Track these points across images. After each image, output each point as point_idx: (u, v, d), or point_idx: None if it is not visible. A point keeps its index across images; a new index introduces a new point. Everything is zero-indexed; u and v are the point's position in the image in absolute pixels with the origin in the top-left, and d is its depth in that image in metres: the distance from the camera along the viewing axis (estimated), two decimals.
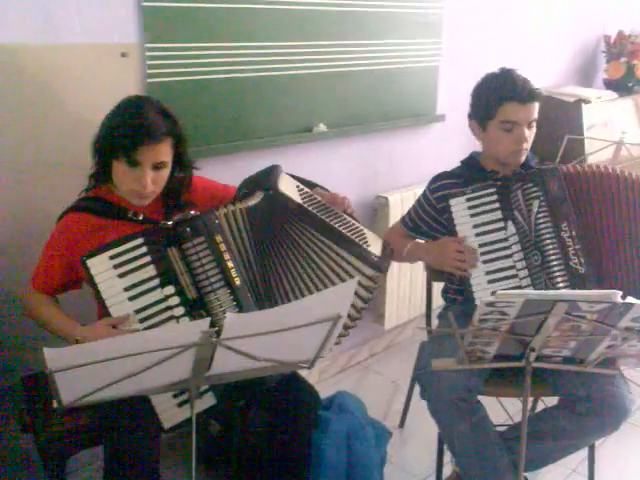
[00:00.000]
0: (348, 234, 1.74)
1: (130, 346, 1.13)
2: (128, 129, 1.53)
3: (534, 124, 1.90)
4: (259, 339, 1.22)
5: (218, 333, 1.20)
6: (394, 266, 2.77)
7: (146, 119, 1.54)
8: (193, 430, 1.36)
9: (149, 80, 1.95)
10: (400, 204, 2.76)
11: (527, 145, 1.90)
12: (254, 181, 1.78)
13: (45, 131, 1.81)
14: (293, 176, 1.85)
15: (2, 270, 1.83)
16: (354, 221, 1.83)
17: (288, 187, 1.76)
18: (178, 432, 1.84)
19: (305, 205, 1.74)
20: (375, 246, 1.79)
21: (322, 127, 2.47)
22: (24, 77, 1.74)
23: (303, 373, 1.83)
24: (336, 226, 1.74)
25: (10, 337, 1.86)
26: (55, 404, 1.19)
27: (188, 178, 1.73)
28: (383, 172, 2.84)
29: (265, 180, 1.75)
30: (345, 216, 1.82)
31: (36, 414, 1.71)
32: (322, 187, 1.90)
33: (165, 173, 1.63)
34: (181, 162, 1.68)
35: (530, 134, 1.90)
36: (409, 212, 2.10)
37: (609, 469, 2.23)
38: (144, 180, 1.57)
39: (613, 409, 1.74)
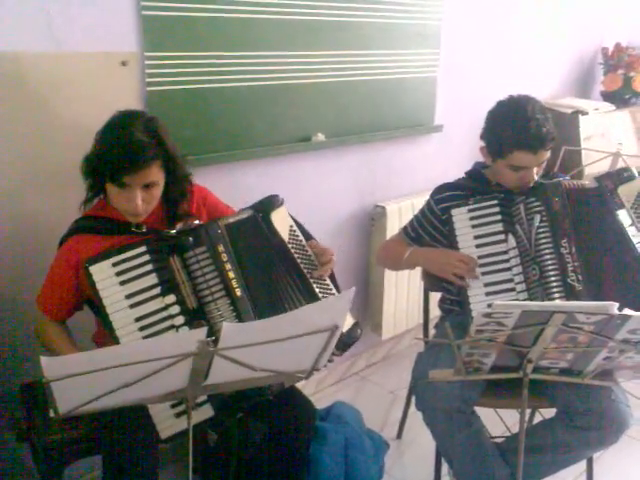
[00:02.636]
0: (318, 293, 1.72)
1: (127, 355, 1.13)
2: (114, 155, 1.51)
3: (545, 162, 1.88)
4: (256, 349, 1.22)
5: (215, 342, 1.20)
6: (392, 275, 2.77)
7: (132, 144, 1.52)
8: (190, 441, 1.36)
9: (148, 89, 1.95)
10: (398, 214, 2.76)
11: (533, 181, 1.88)
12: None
13: (44, 140, 1.81)
14: (293, 218, 1.80)
15: (1, 280, 1.82)
16: (334, 287, 1.79)
17: (280, 221, 1.73)
18: (176, 442, 1.83)
19: (288, 246, 1.72)
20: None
21: (320, 137, 2.48)
22: (24, 85, 1.74)
23: (300, 383, 1.83)
24: (310, 281, 1.71)
25: (8, 345, 1.86)
26: (52, 413, 1.19)
27: (187, 189, 1.72)
28: (381, 182, 2.85)
29: (262, 204, 1.73)
30: (327, 278, 1.77)
31: (33, 423, 1.70)
32: (316, 241, 1.82)
33: (157, 191, 1.62)
34: (175, 176, 1.66)
35: (539, 170, 1.88)
36: (411, 222, 2.09)
37: None
38: (134, 202, 1.57)
39: (612, 422, 1.74)
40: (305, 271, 1.72)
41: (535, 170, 1.86)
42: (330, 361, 1.66)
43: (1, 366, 1.86)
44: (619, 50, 3.74)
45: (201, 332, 1.17)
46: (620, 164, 2.83)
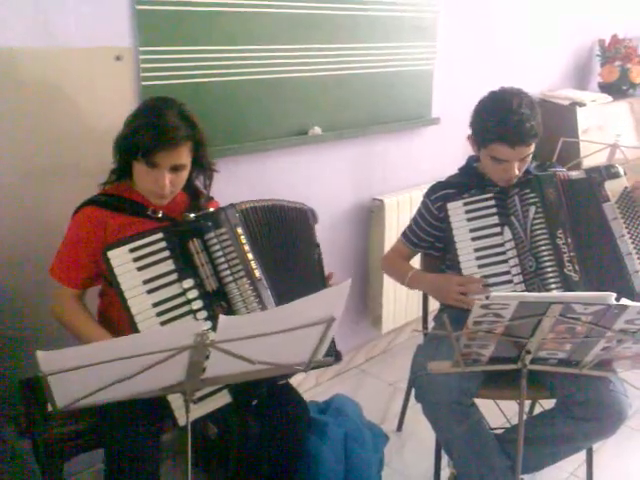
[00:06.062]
0: None
1: (124, 349, 1.13)
2: (148, 132, 1.56)
3: (528, 158, 1.85)
4: (254, 341, 1.22)
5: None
6: None
7: (166, 123, 1.58)
8: (188, 434, 1.36)
9: (143, 83, 1.95)
10: (396, 207, 2.76)
11: (516, 176, 1.86)
12: None
13: (40, 134, 1.80)
14: None
15: (1, 274, 1.83)
16: None
17: None
18: (176, 435, 1.83)
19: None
20: None
21: (317, 130, 2.47)
22: (17, 80, 1.74)
23: (300, 376, 1.83)
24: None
25: (7, 340, 1.86)
26: (50, 407, 1.19)
27: (209, 178, 1.78)
28: (378, 175, 2.85)
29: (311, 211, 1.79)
30: None
31: (33, 418, 1.70)
32: None
33: (184, 175, 1.67)
34: (201, 164, 1.72)
35: (522, 165, 1.85)
36: (410, 227, 2.07)
37: (607, 472, 2.23)
38: (162, 182, 1.61)
39: (611, 413, 1.74)
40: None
41: (517, 165, 1.83)
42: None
43: (0, 362, 1.86)
44: (616, 42, 3.73)
45: (197, 325, 1.18)
46: (618, 155, 2.83)
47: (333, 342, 1.64)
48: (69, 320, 1.67)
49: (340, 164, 2.67)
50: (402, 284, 2.08)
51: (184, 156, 1.63)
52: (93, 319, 1.70)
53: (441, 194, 1.97)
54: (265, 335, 1.20)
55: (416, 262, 2.22)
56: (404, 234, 2.09)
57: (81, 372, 1.10)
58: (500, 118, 1.79)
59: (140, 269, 1.54)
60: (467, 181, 1.97)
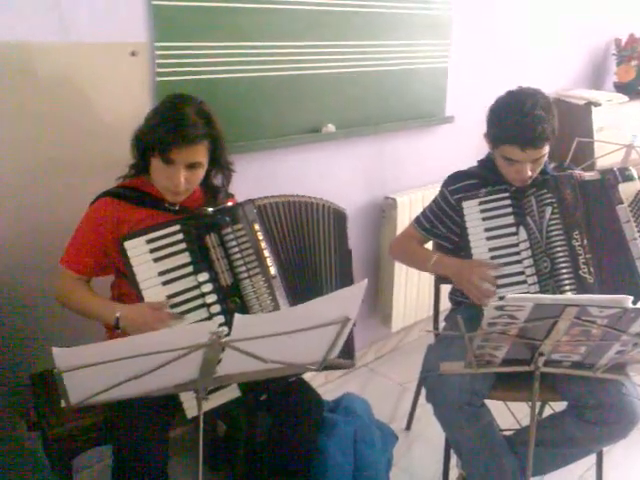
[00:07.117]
0: None
1: (138, 346, 1.13)
2: (165, 129, 1.56)
3: (541, 160, 1.82)
4: (267, 340, 1.21)
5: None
6: (402, 267, 2.76)
7: (184, 121, 1.57)
8: (200, 431, 1.36)
9: (158, 79, 1.95)
10: (408, 205, 2.75)
11: (530, 177, 1.84)
12: None
13: (55, 129, 1.81)
14: None
15: (10, 269, 1.83)
16: None
17: None
18: (185, 432, 1.83)
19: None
20: None
21: (330, 127, 2.47)
22: (34, 75, 1.74)
23: (310, 375, 1.82)
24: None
25: (17, 335, 1.86)
26: (63, 403, 1.19)
27: (227, 178, 1.77)
28: (391, 173, 2.83)
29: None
30: None
31: (43, 412, 1.71)
32: None
33: (200, 173, 1.66)
34: (219, 163, 1.71)
35: (535, 167, 1.82)
36: (424, 213, 2.06)
37: (617, 475, 2.21)
38: (177, 179, 1.61)
39: (622, 417, 1.73)
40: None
41: (529, 166, 1.81)
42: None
43: (11, 357, 1.87)
44: (632, 41, 3.70)
45: (212, 324, 1.18)
46: (633, 156, 2.80)
47: (352, 344, 1.63)
48: (71, 297, 1.66)
49: (353, 162, 2.66)
50: (421, 269, 2.04)
51: (200, 154, 1.62)
52: (95, 293, 1.68)
53: (460, 186, 1.95)
54: (280, 334, 1.20)
55: None
56: (417, 220, 2.07)
57: (96, 369, 1.10)
58: (512, 119, 1.77)
59: (156, 260, 1.55)
60: (486, 174, 1.95)
